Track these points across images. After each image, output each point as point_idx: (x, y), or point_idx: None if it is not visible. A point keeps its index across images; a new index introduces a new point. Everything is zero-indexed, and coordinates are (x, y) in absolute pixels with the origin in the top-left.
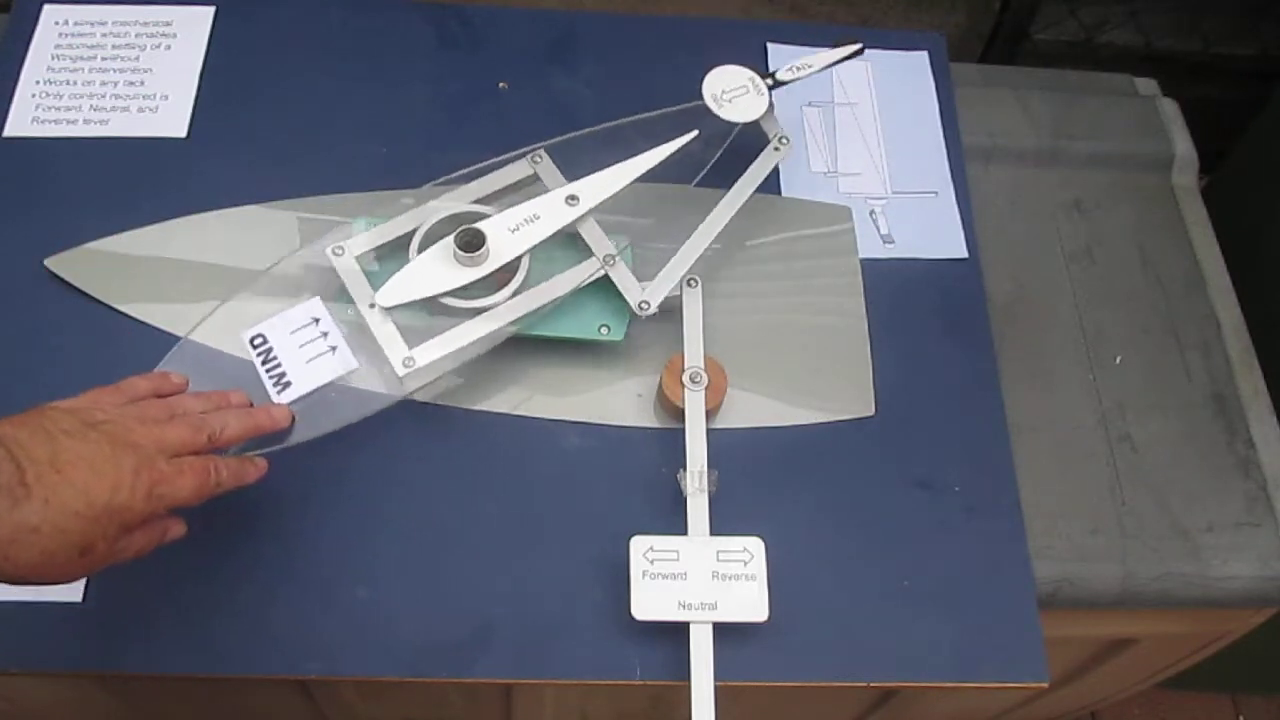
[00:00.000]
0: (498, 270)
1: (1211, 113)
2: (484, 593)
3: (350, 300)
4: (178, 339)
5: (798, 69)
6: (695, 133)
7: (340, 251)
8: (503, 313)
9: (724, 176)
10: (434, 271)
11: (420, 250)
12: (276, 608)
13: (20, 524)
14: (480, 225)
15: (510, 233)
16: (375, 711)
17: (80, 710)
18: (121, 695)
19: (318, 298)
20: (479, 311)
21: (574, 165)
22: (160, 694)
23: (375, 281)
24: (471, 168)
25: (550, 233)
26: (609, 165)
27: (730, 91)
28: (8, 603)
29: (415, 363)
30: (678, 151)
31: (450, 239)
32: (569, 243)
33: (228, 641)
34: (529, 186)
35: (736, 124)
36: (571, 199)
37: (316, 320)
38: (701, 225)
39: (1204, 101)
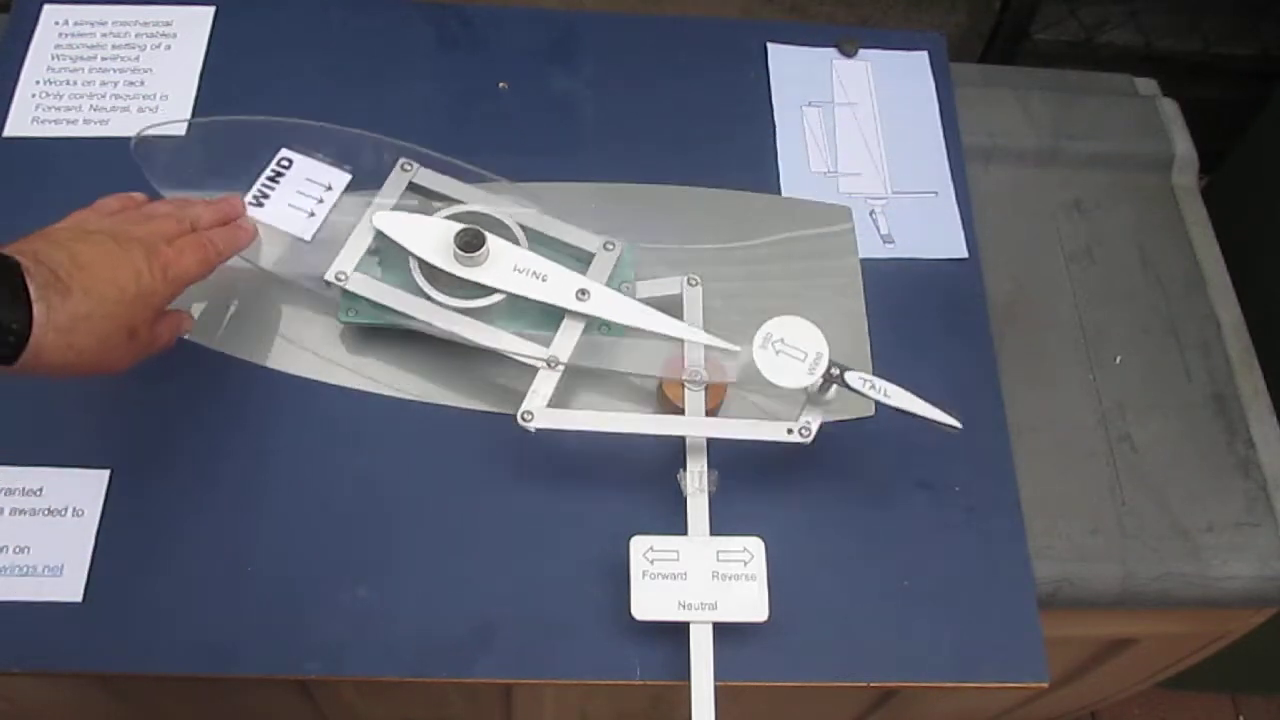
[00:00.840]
0: (471, 282)
1: (1211, 113)
2: (484, 593)
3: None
4: (178, 339)
5: (870, 386)
6: (738, 349)
7: (408, 169)
8: (441, 316)
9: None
10: (429, 238)
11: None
12: (276, 608)
13: (74, 313)
14: (491, 240)
15: (512, 269)
16: (375, 711)
17: (80, 710)
18: (121, 695)
19: (348, 177)
20: (426, 297)
21: (614, 195)
22: (160, 694)
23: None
24: (533, 183)
25: (543, 300)
26: (649, 205)
27: (787, 346)
28: (8, 603)
29: (344, 280)
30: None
31: (456, 229)
32: (552, 308)
33: (228, 641)
34: (577, 255)
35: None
36: (583, 293)
37: (328, 188)
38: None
39: (1204, 101)
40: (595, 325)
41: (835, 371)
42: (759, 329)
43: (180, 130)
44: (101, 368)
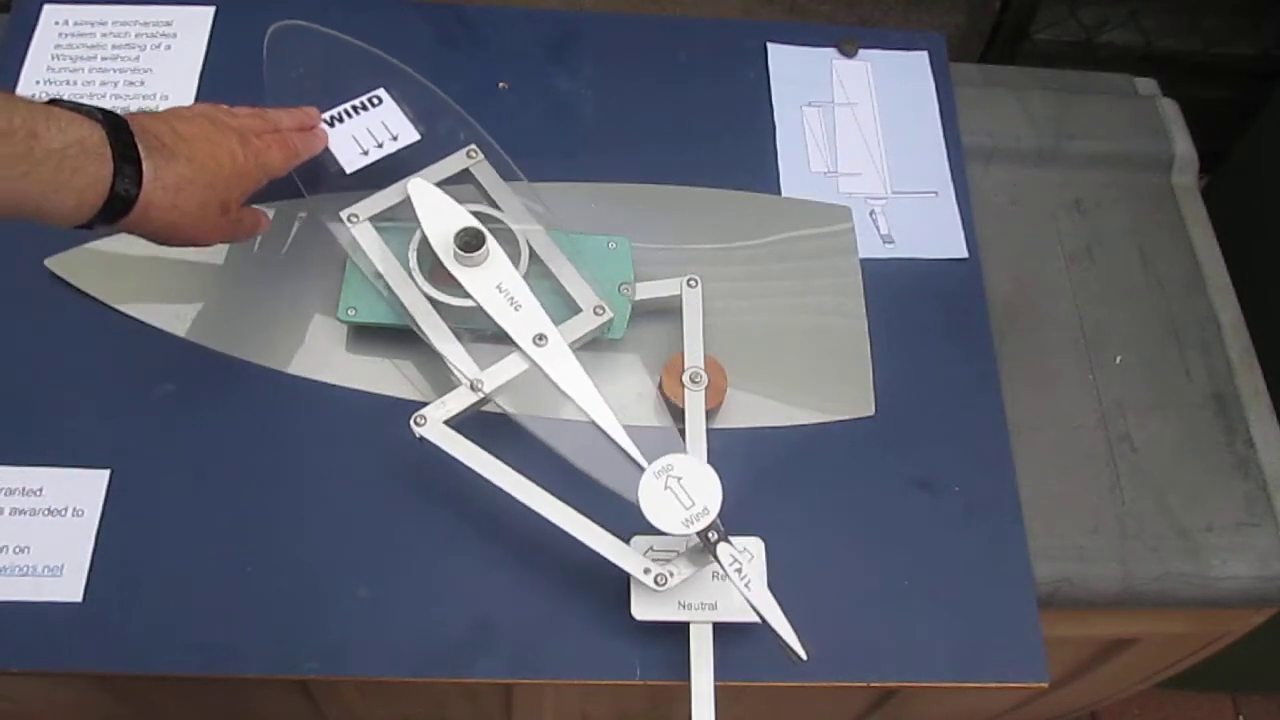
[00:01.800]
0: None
1: (1211, 113)
2: (484, 593)
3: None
4: (177, 338)
5: (736, 568)
6: (646, 467)
7: (474, 155)
8: (414, 303)
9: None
10: (444, 220)
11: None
12: (276, 608)
13: (180, 175)
14: (492, 250)
15: (494, 287)
16: (375, 711)
17: (80, 710)
18: (121, 695)
19: (417, 136)
20: (410, 277)
21: (612, 195)
22: (160, 694)
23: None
24: (533, 183)
25: (505, 330)
26: (646, 206)
27: (679, 486)
28: (8, 603)
29: (356, 221)
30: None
31: (465, 224)
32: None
33: (228, 641)
34: (568, 302)
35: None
36: (540, 339)
37: (395, 138)
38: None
39: (1204, 101)
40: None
41: (712, 536)
42: (665, 457)
43: (309, 34)
44: (198, 236)
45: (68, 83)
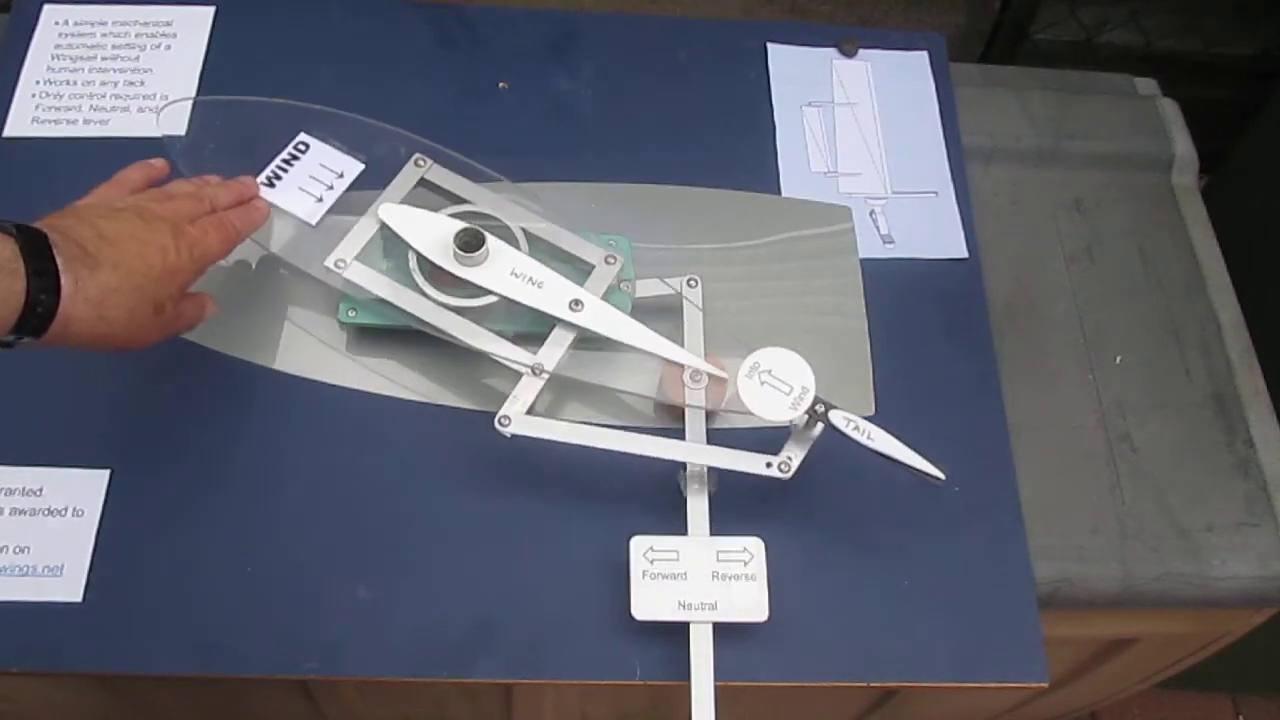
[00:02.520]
0: (469, 282)
1: (1211, 113)
2: (484, 592)
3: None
4: (178, 338)
5: (854, 427)
6: (725, 375)
7: (422, 164)
8: (433, 312)
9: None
10: (431, 234)
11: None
12: (276, 608)
13: (104, 285)
14: (492, 242)
15: (509, 273)
16: (375, 711)
17: (80, 710)
18: (121, 695)
19: (362, 166)
20: (421, 292)
21: (615, 195)
22: (160, 694)
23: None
24: (533, 184)
25: (537, 308)
26: (650, 206)
27: (774, 378)
28: (8, 603)
29: (344, 268)
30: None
31: (458, 229)
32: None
33: (228, 641)
34: (576, 264)
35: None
36: (576, 304)
37: (340, 175)
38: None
39: (1204, 101)
40: (587, 342)
41: (819, 409)
42: (746, 359)
43: (204, 106)
44: (129, 342)
45: (68, 82)
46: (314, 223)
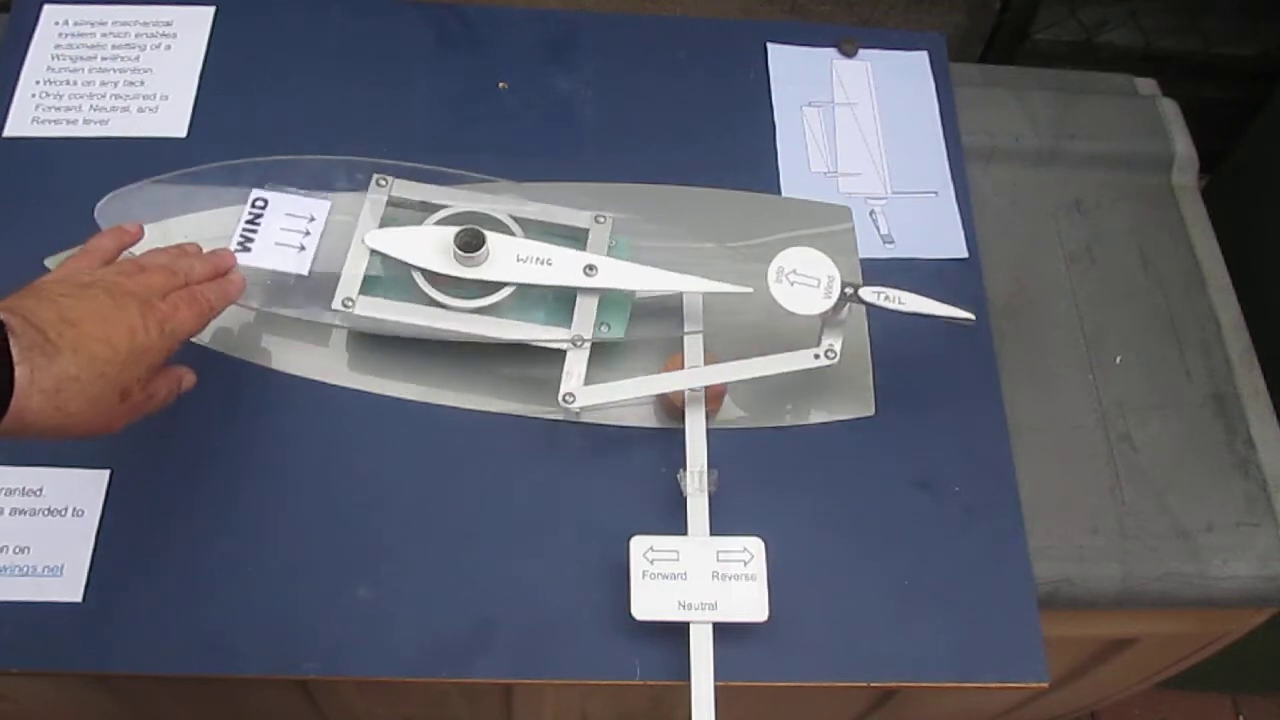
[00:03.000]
0: (481, 280)
1: (1211, 113)
2: (484, 592)
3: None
4: None
5: (884, 297)
6: (750, 290)
7: (384, 184)
8: (456, 320)
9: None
10: (428, 247)
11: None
12: (276, 608)
13: (61, 374)
14: (490, 235)
15: (516, 260)
16: (375, 711)
17: (80, 710)
18: (121, 695)
19: (329, 204)
20: (438, 305)
21: (611, 193)
22: (160, 694)
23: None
24: (542, 184)
25: (552, 284)
26: (647, 204)
27: (801, 276)
28: (8, 603)
29: (353, 306)
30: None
31: (453, 233)
32: (563, 293)
33: (228, 641)
34: (572, 234)
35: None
36: (590, 269)
37: (311, 219)
38: (698, 370)
39: (1204, 101)
40: (596, 324)
41: (849, 290)
42: (770, 265)
43: (146, 189)
44: (92, 430)
45: (68, 83)
46: (306, 273)
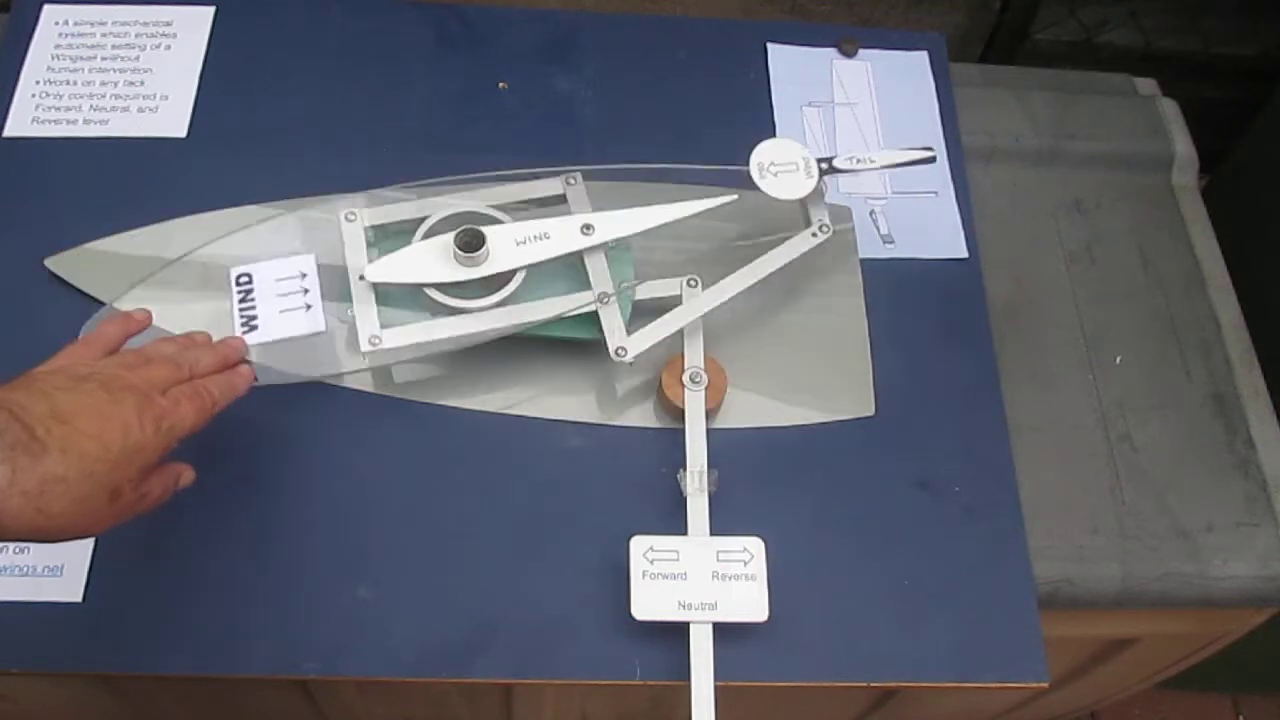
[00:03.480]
0: (491, 275)
1: (1211, 113)
2: (484, 593)
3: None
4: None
5: (856, 161)
6: (735, 196)
7: (353, 218)
8: (483, 319)
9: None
10: (428, 261)
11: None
12: (277, 608)
13: (46, 475)
14: (486, 229)
15: (516, 244)
16: (375, 711)
17: (80, 710)
18: (121, 695)
19: (312, 256)
20: (460, 311)
21: (602, 193)
22: (160, 694)
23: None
24: (500, 172)
25: (556, 254)
26: (638, 202)
27: (779, 165)
28: (8, 603)
29: (380, 342)
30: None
31: (452, 235)
32: (571, 262)
33: (228, 642)
34: (553, 205)
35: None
36: (587, 228)
37: (303, 275)
38: (710, 290)
39: (1204, 101)
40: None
41: (824, 165)
42: (750, 163)
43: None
44: (75, 532)
45: (68, 82)
46: (324, 328)
